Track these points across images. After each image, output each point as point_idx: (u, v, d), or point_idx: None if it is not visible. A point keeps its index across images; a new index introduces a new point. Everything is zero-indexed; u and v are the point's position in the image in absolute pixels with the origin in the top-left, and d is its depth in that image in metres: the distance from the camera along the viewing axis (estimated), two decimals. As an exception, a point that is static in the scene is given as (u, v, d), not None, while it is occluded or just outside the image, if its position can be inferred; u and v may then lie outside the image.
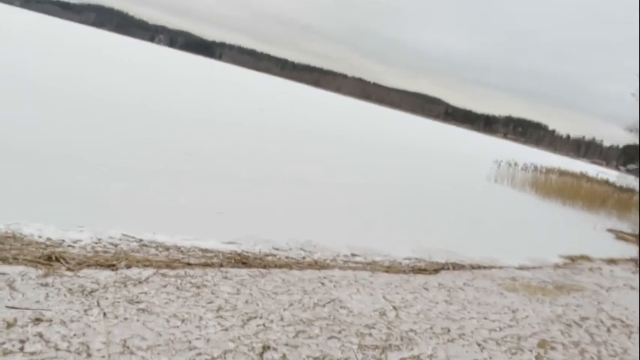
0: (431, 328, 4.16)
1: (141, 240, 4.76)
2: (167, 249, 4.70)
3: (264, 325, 3.53)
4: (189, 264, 4.42)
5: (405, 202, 11.29)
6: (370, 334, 3.76)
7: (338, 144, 19.71)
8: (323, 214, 7.89)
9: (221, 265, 4.55)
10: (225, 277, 4.25)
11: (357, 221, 8.03)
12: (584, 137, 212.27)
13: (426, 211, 10.87)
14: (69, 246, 4.21)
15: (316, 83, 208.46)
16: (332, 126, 27.91)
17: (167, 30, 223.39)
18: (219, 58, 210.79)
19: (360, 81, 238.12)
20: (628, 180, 24.57)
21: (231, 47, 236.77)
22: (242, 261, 4.83)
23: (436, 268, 6.29)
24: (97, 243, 4.44)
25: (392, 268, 5.84)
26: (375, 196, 10.83)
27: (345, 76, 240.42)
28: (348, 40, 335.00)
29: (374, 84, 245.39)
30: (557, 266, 8.29)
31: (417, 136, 43.64)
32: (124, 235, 4.76)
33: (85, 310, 3.17)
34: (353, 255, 6.06)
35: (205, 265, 4.49)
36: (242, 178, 9.06)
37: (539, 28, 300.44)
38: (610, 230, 15.30)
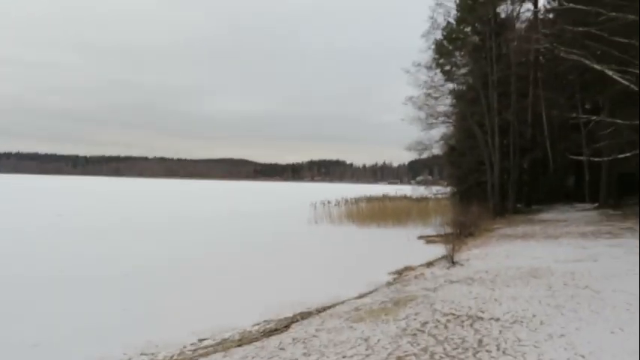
0: (298, 386, 4.09)
1: None
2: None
3: None
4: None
5: (235, 265, 11.14)
6: (240, 419, 3.52)
7: (145, 230, 18.64)
8: (153, 305, 7.30)
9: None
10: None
11: (192, 300, 7.62)
12: (376, 164, 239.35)
13: (260, 269, 10.88)
14: None
15: (116, 172, 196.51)
16: (131, 215, 26.39)
17: None
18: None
19: (162, 160, 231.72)
20: (420, 190, 28.32)
21: (8, 156, 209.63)
22: (75, 393, 4.14)
23: (287, 324, 6.26)
24: None
25: (244, 340, 5.64)
26: (202, 268, 10.47)
27: (146, 159, 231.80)
28: (145, 124, 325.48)
29: (178, 160, 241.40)
30: (389, 284, 8.99)
31: (229, 200, 43.85)
32: None
33: None
34: (200, 340, 5.70)
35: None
36: (42, 302, 7.91)
37: (321, 79, 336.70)
38: (420, 237, 17.33)
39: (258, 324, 6.38)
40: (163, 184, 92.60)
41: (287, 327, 6.15)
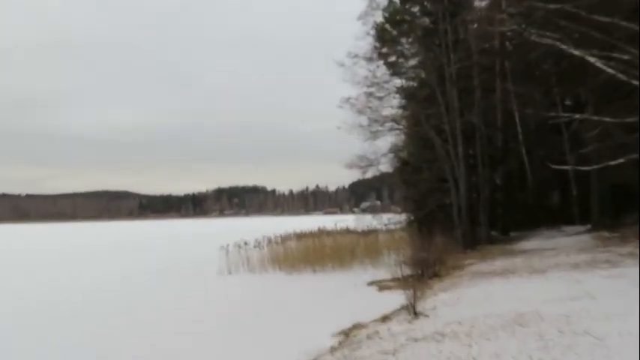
0: None
1: None
2: None
3: None
4: None
5: (131, 341, 10.72)
6: None
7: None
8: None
9: None
10: None
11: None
12: (307, 188, 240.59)
13: (159, 342, 10.51)
14: None
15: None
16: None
17: None
18: None
19: (4, 198, 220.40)
20: (366, 221, 28.46)
21: None
22: None
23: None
24: None
25: None
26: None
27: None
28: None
29: (27, 196, 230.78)
30: (334, 349, 8.93)
31: (105, 250, 41.98)
32: None
33: None
34: None
35: None
36: None
37: (229, 82, 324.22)
38: (371, 283, 17.44)
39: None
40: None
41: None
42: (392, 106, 26.84)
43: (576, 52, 14.71)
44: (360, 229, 26.91)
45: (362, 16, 25.03)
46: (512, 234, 24.75)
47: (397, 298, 11.92)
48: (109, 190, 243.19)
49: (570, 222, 24.81)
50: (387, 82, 26.29)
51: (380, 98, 26.19)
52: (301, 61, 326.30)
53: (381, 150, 26.73)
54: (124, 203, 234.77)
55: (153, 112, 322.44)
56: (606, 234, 19.75)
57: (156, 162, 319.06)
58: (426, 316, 9.82)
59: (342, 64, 25.54)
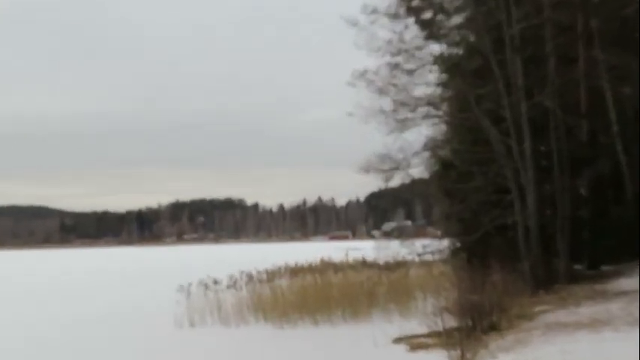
0: None
1: None
2: None
3: None
4: None
5: None
6: None
7: None
8: None
9: None
10: None
11: None
12: (305, 203, 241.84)
13: None
14: None
15: None
16: None
17: None
18: None
19: None
20: (392, 248, 28.06)
21: None
22: None
23: None
24: None
25: None
26: None
27: None
28: None
29: None
30: None
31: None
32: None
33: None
34: None
35: None
36: None
37: (192, 56, 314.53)
38: (399, 340, 17.28)
39: None
40: None
41: None
42: (427, 83, 26.73)
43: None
44: (382, 262, 26.79)
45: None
46: (603, 268, 24.48)
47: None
48: (19, 205, 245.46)
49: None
50: (419, 48, 26.14)
51: (410, 72, 26.10)
52: (295, 21, 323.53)
53: (412, 147, 26.53)
54: (39, 224, 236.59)
55: (86, 96, 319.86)
56: None
57: (87, 165, 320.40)
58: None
59: (354, 24, 25.47)
